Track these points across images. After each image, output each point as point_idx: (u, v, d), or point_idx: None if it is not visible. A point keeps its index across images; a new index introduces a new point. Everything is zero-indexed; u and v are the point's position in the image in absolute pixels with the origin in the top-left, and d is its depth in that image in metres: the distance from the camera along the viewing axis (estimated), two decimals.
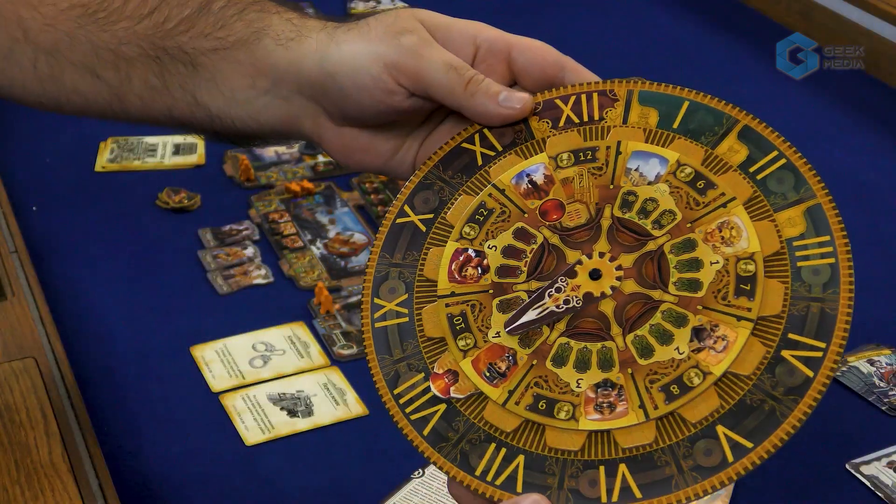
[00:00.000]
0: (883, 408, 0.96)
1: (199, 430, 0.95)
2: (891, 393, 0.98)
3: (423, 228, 0.65)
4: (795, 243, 0.58)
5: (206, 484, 0.90)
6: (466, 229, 0.64)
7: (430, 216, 0.65)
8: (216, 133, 0.71)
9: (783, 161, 0.60)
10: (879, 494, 0.88)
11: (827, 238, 0.57)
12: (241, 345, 1.04)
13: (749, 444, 0.54)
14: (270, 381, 1.00)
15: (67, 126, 1.37)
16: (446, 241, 0.64)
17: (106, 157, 1.33)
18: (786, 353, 0.55)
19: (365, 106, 0.66)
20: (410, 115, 0.68)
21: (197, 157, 1.33)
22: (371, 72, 0.64)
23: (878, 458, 0.91)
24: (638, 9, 1.75)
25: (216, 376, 1.00)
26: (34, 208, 1.23)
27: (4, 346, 0.94)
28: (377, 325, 0.63)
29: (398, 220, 0.65)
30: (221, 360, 1.02)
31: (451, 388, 0.60)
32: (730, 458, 0.54)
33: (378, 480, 0.89)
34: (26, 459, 0.81)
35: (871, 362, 1.01)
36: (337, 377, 1.00)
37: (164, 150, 1.34)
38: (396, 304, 0.63)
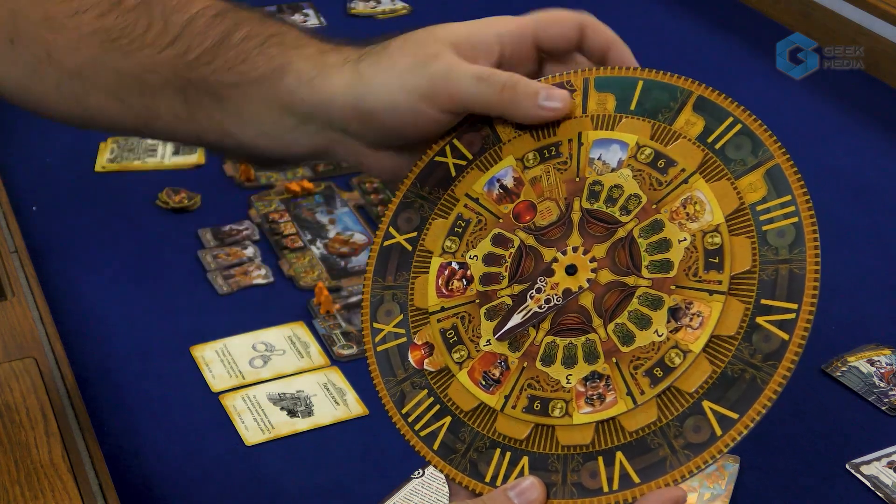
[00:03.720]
0: (883, 408, 0.96)
1: (199, 430, 0.95)
2: (891, 393, 0.98)
3: (410, 248, 0.65)
4: (759, 207, 0.58)
5: (206, 484, 0.90)
6: (448, 243, 0.64)
7: (415, 234, 0.66)
8: (248, 158, 0.70)
9: (739, 126, 0.60)
10: (879, 494, 0.88)
11: (788, 198, 0.57)
12: (241, 345, 1.04)
13: (734, 416, 0.54)
14: (270, 381, 1.00)
15: (67, 126, 1.37)
16: (430, 258, 0.64)
17: (106, 157, 1.33)
18: (760, 320, 0.56)
19: (407, 135, 0.65)
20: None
21: (197, 157, 1.33)
22: (412, 107, 0.63)
23: (878, 458, 0.91)
24: (638, 8, 1.75)
25: (216, 376, 1.00)
26: (34, 208, 1.23)
27: (4, 346, 0.94)
28: (379, 348, 0.64)
29: (385, 243, 0.66)
30: (221, 360, 1.02)
31: (426, 361, 0.61)
32: (718, 431, 0.55)
33: (378, 480, 0.89)
34: (26, 459, 0.81)
35: (871, 362, 1.01)
36: (337, 377, 1.00)
37: (164, 150, 1.34)
38: (394, 326, 0.64)
